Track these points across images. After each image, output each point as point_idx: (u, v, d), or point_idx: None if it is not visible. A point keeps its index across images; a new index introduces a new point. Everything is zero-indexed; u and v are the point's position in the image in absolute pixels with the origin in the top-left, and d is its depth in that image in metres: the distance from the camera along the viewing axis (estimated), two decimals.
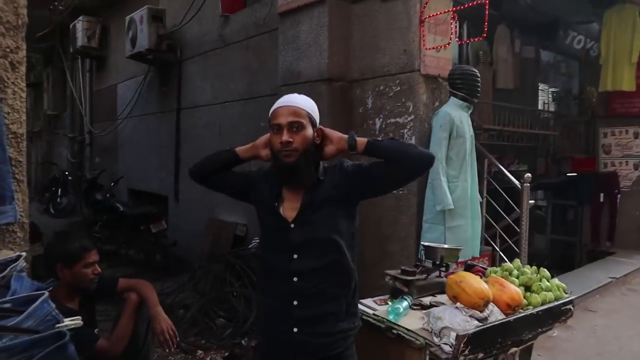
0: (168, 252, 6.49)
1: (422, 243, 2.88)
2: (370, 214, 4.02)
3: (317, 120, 2.00)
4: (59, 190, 10.40)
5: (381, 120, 3.92)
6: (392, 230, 3.88)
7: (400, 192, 3.79)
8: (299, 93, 4.21)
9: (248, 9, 5.39)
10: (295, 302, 1.90)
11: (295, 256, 1.92)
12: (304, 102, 1.97)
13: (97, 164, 9.67)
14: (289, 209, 1.94)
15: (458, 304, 2.13)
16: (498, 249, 4.20)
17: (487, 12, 3.35)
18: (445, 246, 2.93)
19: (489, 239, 4.29)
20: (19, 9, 2.15)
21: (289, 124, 1.86)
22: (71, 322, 1.65)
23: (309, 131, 1.93)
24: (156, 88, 7.39)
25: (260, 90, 5.30)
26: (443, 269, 2.81)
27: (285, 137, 1.84)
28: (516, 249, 4.00)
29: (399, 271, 2.74)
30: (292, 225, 1.92)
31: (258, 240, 4.93)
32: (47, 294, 1.66)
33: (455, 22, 3.62)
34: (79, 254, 2.33)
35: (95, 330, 2.44)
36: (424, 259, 2.83)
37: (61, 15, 9.13)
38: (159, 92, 7.34)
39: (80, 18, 8.79)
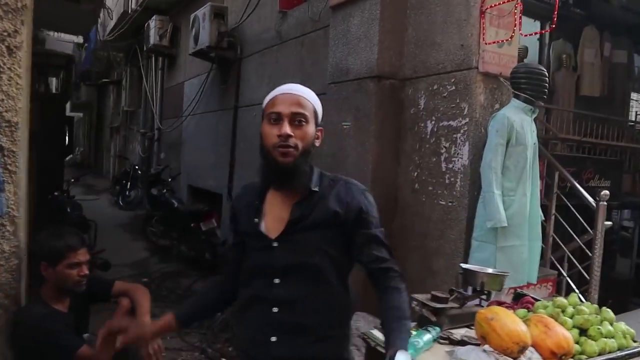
0: (216, 251, 6.40)
1: (460, 265, 2.47)
2: (415, 226, 3.64)
3: (320, 117, 1.69)
4: (129, 183, 10.74)
5: (433, 122, 3.52)
6: (438, 245, 3.47)
7: (450, 203, 3.38)
8: (347, 92, 3.94)
9: (305, 5, 5.16)
10: (273, 339, 1.58)
11: (276, 281, 1.60)
12: (310, 94, 1.65)
13: (162, 159, 9.86)
14: (272, 222, 1.63)
15: (487, 347, 1.73)
16: (565, 274, 3.67)
17: (557, 7, 2.89)
18: (489, 271, 2.50)
19: (556, 262, 3.76)
20: None
21: (292, 115, 1.55)
22: None
23: (312, 129, 1.61)
24: (217, 86, 7.37)
25: (312, 88, 5.02)
26: (484, 297, 2.40)
27: (286, 129, 1.53)
28: (586, 275, 3.45)
29: (429, 296, 2.36)
30: (275, 244, 1.60)
31: None
32: None
33: (520, 12, 3.16)
34: (62, 253, 2.15)
35: (86, 335, 2.26)
36: (461, 283, 2.44)
37: (134, 15, 9.39)
38: (219, 89, 7.31)
39: (154, 17, 8.99)
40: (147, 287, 2.51)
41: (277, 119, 1.55)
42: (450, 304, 2.31)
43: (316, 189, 1.62)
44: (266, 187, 1.67)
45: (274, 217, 1.62)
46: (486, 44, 3.16)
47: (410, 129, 3.72)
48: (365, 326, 3.53)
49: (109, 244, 7.68)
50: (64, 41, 6.27)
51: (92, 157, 19.94)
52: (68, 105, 23.50)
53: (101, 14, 9.07)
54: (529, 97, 3.08)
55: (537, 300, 2.49)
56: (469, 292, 2.39)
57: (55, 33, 6.26)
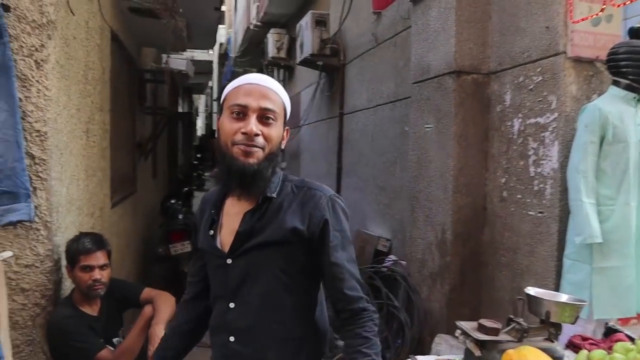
0: None
1: (525, 290, 2.05)
2: (504, 240, 3.19)
3: (288, 116, 1.50)
4: None
5: (520, 120, 3.05)
6: (528, 263, 2.98)
7: (539, 214, 2.88)
8: (429, 91, 3.61)
9: (395, 3, 4.89)
10: None
11: (231, 305, 1.42)
12: (279, 88, 1.47)
13: (284, 169, 10.14)
14: (228, 235, 1.45)
15: None
16: None
17: None
18: (563, 298, 2.05)
19: None
20: (44, 7, 2.12)
21: (261, 110, 1.36)
22: None
23: (280, 128, 1.44)
24: (325, 94, 7.35)
25: (406, 91, 4.73)
26: (553, 330, 1.97)
27: (253, 126, 1.34)
28: None
29: (476, 325, 1.99)
30: (229, 261, 1.42)
31: (394, 258, 4.43)
32: None
33: None
34: (75, 256, 2.22)
35: (115, 340, 2.29)
36: (526, 310, 2.03)
37: (255, 30, 9.81)
38: (327, 97, 7.29)
39: (271, 31, 9.30)
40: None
41: (242, 113, 1.36)
42: (503, 336, 1.94)
43: (272, 195, 1.41)
44: (225, 194, 1.49)
45: (229, 230, 1.44)
46: (574, 22, 2.63)
47: (497, 130, 3.27)
48: (448, 350, 3.17)
49: None
50: (180, 59, 6.69)
51: None
52: (214, 119, 25.57)
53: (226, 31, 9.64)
54: (632, 82, 2.50)
55: (632, 339, 2.00)
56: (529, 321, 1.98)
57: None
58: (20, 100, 2.15)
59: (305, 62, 7.10)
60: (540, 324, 2.00)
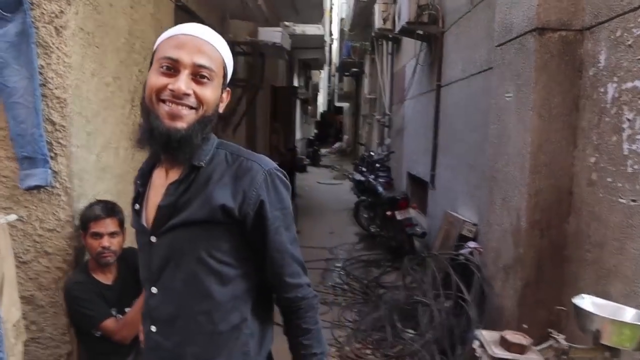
0: (413, 243, 5.99)
1: (573, 299, 1.62)
2: (591, 232, 2.64)
3: (229, 75, 1.27)
4: (363, 168, 11.03)
5: (615, 86, 2.46)
6: (616, 262, 2.42)
7: (632, 202, 2.31)
8: (510, 54, 3.11)
9: None
10: None
11: (154, 290, 1.24)
12: (220, 42, 1.24)
13: (388, 145, 9.79)
14: (152, 209, 1.25)
15: None
16: None
17: None
18: (627, 315, 1.58)
19: None
20: None
21: (195, 67, 1.16)
22: None
23: (218, 89, 1.22)
24: (426, 66, 6.85)
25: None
26: (608, 356, 1.53)
27: (183, 84, 1.14)
28: None
29: (498, 337, 1.60)
30: (154, 239, 1.23)
31: (472, 246, 3.96)
32: None
33: None
34: (86, 222, 2.18)
35: (127, 309, 2.23)
36: (564, 323, 1.61)
37: (364, 1, 9.46)
38: (426, 69, 6.79)
39: (378, 1, 8.90)
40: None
41: (173, 68, 1.15)
42: (532, 355, 1.54)
43: (201, 164, 1.20)
44: (154, 163, 1.30)
45: (153, 204, 1.25)
46: None
47: (589, 98, 2.69)
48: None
49: (325, 226, 8.03)
50: (275, 31, 6.60)
51: (352, 145, 21.28)
52: (335, 96, 25.68)
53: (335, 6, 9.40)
54: None
55: None
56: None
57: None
58: (42, 67, 2.15)
59: (403, 32, 6.65)
60: (593, 345, 1.56)
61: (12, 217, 1.99)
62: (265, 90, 8.86)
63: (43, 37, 2.15)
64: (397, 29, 6.69)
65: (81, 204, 2.31)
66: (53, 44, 2.14)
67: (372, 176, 7.59)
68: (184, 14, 3.82)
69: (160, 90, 1.15)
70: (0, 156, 2.18)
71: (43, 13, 2.15)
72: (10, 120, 2.07)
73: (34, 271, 2.29)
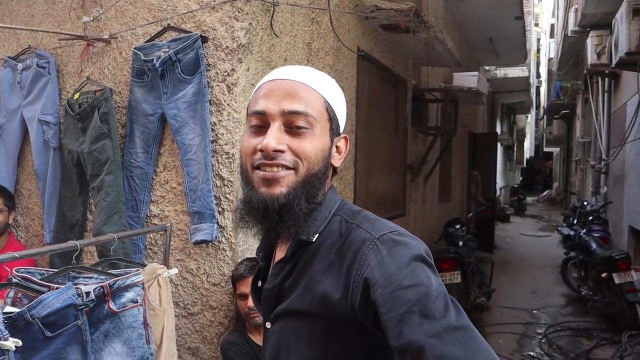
0: (635, 313, 4.98)
1: None
2: None
3: (344, 121, 1.06)
4: (574, 220, 9.81)
5: None
6: None
7: None
8: None
9: None
10: None
11: None
12: (318, 80, 1.01)
13: (605, 194, 8.57)
14: None
15: None
16: None
17: None
18: None
19: None
20: (235, 32, 2.19)
21: (286, 115, 0.96)
22: None
23: (323, 139, 0.99)
24: None
25: None
26: None
27: (272, 139, 0.94)
28: None
29: None
30: (268, 326, 1.05)
31: None
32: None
33: None
34: (233, 282, 2.21)
35: None
36: None
37: (573, 36, 8.64)
38: None
39: (590, 34, 8.02)
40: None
41: (262, 124, 0.97)
42: None
43: (310, 239, 0.98)
44: (270, 243, 1.11)
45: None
46: None
47: None
48: None
49: (527, 284, 7.21)
50: (471, 76, 6.36)
51: (562, 193, 19.29)
52: (543, 140, 23.71)
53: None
54: None
55: None
56: None
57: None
58: (214, 124, 2.27)
59: (623, 65, 5.79)
60: None
61: (174, 271, 2.09)
62: (462, 137, 8.53)
63: (216, 95, 2.28)
64: (615, 62, 5.86)
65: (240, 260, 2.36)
66: (224, 101, 2.26)
67: (585, 230, 6.62)
68: (367, 64, 3.86)
69: (251, 153, 0.96)
70: (177, 210, 2.35)
71: (217, 73, 2.28)
72: (185, 176, 2.23)
73: (200, 324, 2.36)
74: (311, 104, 0.97)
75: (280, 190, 0.94)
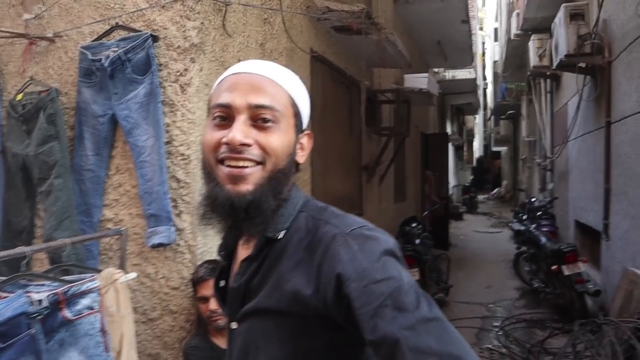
0: (585, 303, 5.19)
1: None
2: None
3: (307, 115, 1.04)
4: (523, 216, 10.17)
5: None
6: None
7: None
8: None
9: None
10: None
11: None
12: (283, 76, 1.00)
13: (551, 190, 8.93)
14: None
15: None
16: None
17: None
18: None
19: None
20: (187, 31, 2.17)
21: (252, 109, 0.93)
22: None
23: (289, 134, 0.98)
24: (591, 101, 6.14)
25: None
26: None
27: (239, 133, 0.91)
28: None
29: None
30: (234, 325, 1.02)
31: None
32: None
33: None
34: (194, 285, 2.18)
35: None
36: None
37: (516, 40, 8.99)
38: (591, 105, 6.08)
39: (532, 38, 8.36)
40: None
41: (226, 117, 0.94)
42: None
43: (276, 236, 0.96)
44: (231, 239, 1.08)
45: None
46: None
47: None
48: None
49: (482, 280, 7.41)
50: (421, 77, 6.51)
51: (511, 190, 19.97)
52: (491, 140, 24.51)
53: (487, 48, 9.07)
54: None
55: None
56: None
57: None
58: (168, 125, 2.23)
59: (563, 67, 6.08)
60: None
61: (132, 275, 2.03)
62: (414, 137, 8.71)
63: (169, 96, 2.23)
64: (555, 64, 6.13)
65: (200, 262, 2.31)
66: (178, 102, 2.22)
67: (534, 225, 6.88)
68: (320, 65, 3.88)
69: (215, 147, 0.93)
70: (132, 213, 2.30)
71: (169, 73, 2.24)
72: (139, 179, 2.18)
73: (160, 329, 2.31)
74: (277, 98, 0.95)
75: (246, 187, 0.92)
